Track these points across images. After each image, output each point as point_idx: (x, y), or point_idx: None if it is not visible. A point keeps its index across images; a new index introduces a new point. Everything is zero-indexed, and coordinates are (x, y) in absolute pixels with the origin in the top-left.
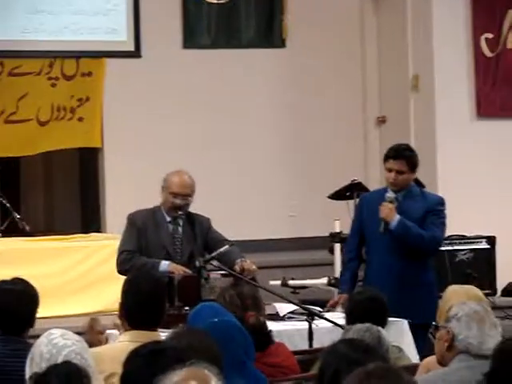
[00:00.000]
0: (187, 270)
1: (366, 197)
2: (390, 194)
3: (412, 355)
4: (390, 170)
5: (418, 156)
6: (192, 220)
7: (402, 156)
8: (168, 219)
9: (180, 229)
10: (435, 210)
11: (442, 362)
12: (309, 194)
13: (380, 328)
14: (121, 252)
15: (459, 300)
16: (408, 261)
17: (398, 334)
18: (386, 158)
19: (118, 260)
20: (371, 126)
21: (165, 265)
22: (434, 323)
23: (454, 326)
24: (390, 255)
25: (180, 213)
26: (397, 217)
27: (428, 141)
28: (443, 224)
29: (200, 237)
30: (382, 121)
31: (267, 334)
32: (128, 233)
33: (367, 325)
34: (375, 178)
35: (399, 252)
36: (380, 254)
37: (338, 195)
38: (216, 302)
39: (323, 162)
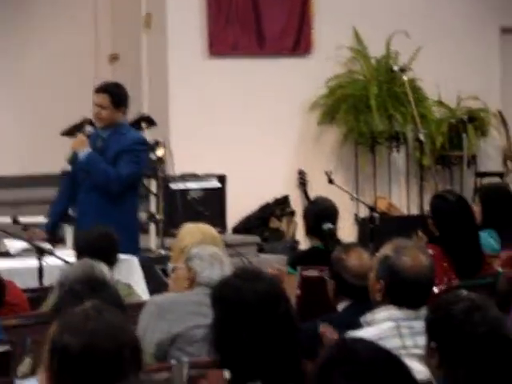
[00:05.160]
0: None
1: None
2: (88, 128)
3: (142, 292)
4: (95, 104)
5: (149, 94)
6: None
7: (105, 90)
8: None
9: None
10: (129, 149)
11: None
12: (40, 131)
13: (103, 264)
14: None
15: (194, 238)
16: (105, 199)
17: (128, 272)
18: (93, 91)
19: None
20: (104, 63)
21: None
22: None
23: (198, 265)
24: (88, 193)
25: None
26: (87, 150)
27: (160, 79)
28: (135, 163)
29: None
30: (114, 58)
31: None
32: None
33: (90, 261)
34: None
35: (96, 190)
36: (82, 192)
37: (70, 132)
38: None
39: (55, 100)
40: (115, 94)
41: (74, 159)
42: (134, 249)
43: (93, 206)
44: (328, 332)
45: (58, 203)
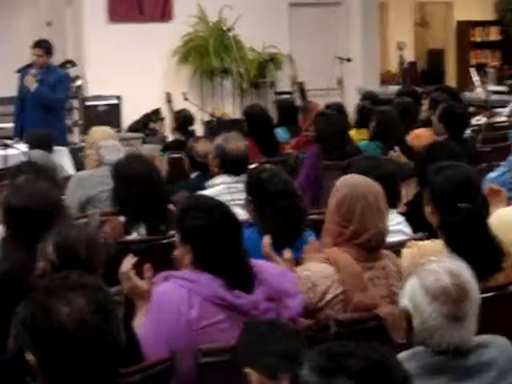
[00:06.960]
0: None
1: (22, 72)
2: (33, 71)
3: (70, 170)
4: (34, 54)
5: (72, 46)
6: None
7: (40, 45)
8: None
9: None
10: (61, 80)
11: None
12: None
13: (47, 153)
14: None
15: (99, 135)
16: (47, 114)
17: (61, 157)
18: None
19: None
20: (43, 27)
21: None
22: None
23: (103, 151)
24: (35, 110)
25: None
26: (35, 84)
27: (79, 38)
28: (66, 89)
29: None
30: (49, 24)
31: None
32: None
33: (41, 152)
34: None
35: (40, 109)
36: (29, 110)
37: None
38: None
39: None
40: (46, 47)
41: (28, 91)
42: (64, 142)
43: (38, 119)
44: (184, 195)
45: (17, 119)
